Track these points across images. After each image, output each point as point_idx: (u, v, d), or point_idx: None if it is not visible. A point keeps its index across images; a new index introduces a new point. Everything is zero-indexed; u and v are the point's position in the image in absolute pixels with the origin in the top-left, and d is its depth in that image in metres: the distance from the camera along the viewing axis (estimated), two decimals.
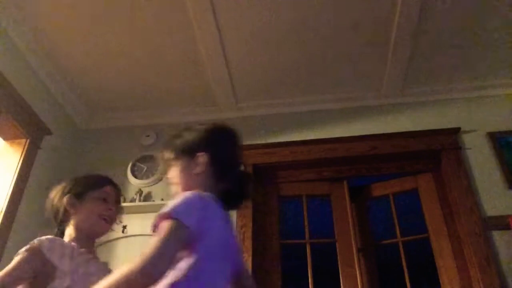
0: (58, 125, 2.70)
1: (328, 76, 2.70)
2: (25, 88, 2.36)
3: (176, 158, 1.21)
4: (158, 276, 0.92)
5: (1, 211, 2.14)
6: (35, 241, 1.25)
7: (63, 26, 2.36)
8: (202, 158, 1.16)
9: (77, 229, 1.34)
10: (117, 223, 1.46)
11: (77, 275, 1.22)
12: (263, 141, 2.73)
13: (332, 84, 2.76)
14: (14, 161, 2.31)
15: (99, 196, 1.40)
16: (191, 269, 0.98)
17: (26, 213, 2.34)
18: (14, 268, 1.20)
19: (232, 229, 1.20)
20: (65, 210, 1.36)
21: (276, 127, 2.82)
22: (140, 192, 2.60)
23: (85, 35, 2.41)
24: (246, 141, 2.74)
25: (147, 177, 2.70)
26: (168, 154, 1.23)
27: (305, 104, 2.86)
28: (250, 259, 2.30)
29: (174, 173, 1.21)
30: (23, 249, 1.23)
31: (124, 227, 2.51)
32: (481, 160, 2.48)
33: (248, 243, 2.35)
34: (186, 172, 1.18)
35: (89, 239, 1.38)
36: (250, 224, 2.41)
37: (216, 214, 1.08)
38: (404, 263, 2.39)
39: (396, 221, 2.54)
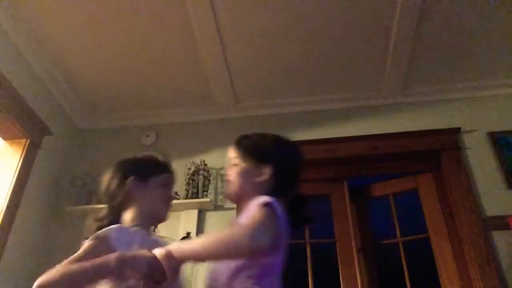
0: (58, 125, 2.70)
1: (328, 76, 2.70)
2: (25, 88, 2.36)
3: (241, 159, 1.22)
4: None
5: (1, 211, 2.14)
6: (103, 230, 1.18)
7: (63, 26, 2.36)
8: (268, 169, 1.18)
9: (140, 213, 1.26)
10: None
11: None
12: None
13: (332, 84, 2.76)
14: (14, 161, 2.31)
15: (162, 181, 1.33)
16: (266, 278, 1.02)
17: (26, 213, 2.34)
18: (79, 257, 1.12)
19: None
20: (127, 193, 1.27)
21: (276, 127, 2.82)
22: None
23: (85, 36, 2.41)
24: None
25: None
26: (234, 152, 1.25)
27: (305, 104, 2.86)
28: None
29: (233, 172, 1.22)
30: (90, 238, 1.17)
31: None
32: (481, 160, 2.48)
33: None
34: (247, 176, 1.19)
35: (149, 225, 1.31)
36: None
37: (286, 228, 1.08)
38: (404, 263, 2.39)
39: (396, 221, 2.54)
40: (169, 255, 0.96)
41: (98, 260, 1.01)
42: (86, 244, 1.16)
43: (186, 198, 2.51)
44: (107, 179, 1.33)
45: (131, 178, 1.28)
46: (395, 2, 2.23)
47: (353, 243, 2.41)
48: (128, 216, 1.27)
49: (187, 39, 2.42)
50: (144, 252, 0.99)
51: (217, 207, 2.54)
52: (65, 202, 2.60)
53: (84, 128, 3.01)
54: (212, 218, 2.50)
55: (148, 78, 2.71)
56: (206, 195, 2.51)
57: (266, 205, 1.01)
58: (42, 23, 2.34)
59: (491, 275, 2.11)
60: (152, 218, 1.31)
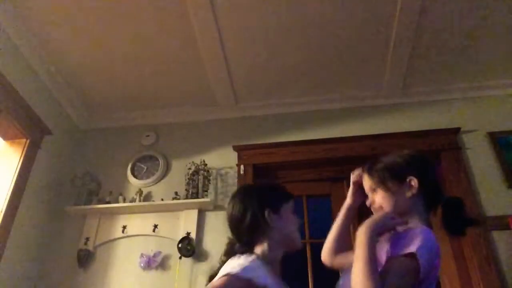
0: (58, 125, 2.70)
1: (328, 76, 2.70)
2: (25, 88, 2.36)
3: (383, 182, 1.21)
4: None
5: (1, 211, 2.14)
6: (246, 271, 1.11)
7: (63, 26, 2.36)
8: (413, 181, 1.18)
9: (276, 244, 1.24)
10: None
11: None
12: (263, 141, 2.74)
13: (332, 84, 2.76)
14: (14, 161, 2.31)
15: (291, 208, 1.32)
16: None
17: (26, 213, 2.34)
18: None
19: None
20: (265, 226, 1.23)
21: (276, 127, 2.82)
22: (140, 192, 2.60)
23: (85, 36, 2.41)
24: (246, 141, 2.76)
25: (147, 177, 2.70)
26: (370, 180, 1.25)
27: (305, 104, 2.86)
28: None
29: (379, 197, 1.22)
30: (231, 275, 1.09)
31: (124, 227, 2.51)
32: (481, 160, 2.48)
33: None
34: (396, 196, 1.18)
35: (282, 254, 1.28)
36: None
37: (438, 255, 1.09)
38: None
39: None
40: None
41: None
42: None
43: (186, 198, 2.52)
44: (237, 209, 1.28)
45: (268, 211, 1.25)
46: (395, 2, 2.23)
47: (354, 243, 2.40)
48: (261, 247, 1.23)
49: (187, 39, 2.42)
50: None
51: (217, 207, 2.53)
52: (65, 202, 2.60)
53: (84, 128, 3.01)
54: (212, 218, 2.50)
55: (148, 78, 2.71)
56: (206, 195, 2.51)
57: (412, 256, 1.01)
58: (43, 23, 2.34)
59: (491, 275, 2.11)
60: (288, 246, 1.29)
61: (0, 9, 2.20)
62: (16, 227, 2.24)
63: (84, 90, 2.81)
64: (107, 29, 2.38)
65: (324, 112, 2.84)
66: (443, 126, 2.61)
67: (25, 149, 2.35)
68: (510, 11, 2.29)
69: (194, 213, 2.48)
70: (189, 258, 2.34)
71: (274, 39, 2.44)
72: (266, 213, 1.25)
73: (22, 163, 2.31)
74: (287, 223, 1.28)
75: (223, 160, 2.70)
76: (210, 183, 2.57)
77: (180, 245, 2.35)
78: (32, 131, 2.40)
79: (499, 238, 2.22)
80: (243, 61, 2.59)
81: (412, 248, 1.02)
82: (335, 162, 2.62)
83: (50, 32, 2.39)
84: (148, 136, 2.89)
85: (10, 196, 2.20)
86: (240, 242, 1.25)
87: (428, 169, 1.24)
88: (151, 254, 2.39)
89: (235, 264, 1.13)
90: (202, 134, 2.86)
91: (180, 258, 2.33)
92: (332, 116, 2.80)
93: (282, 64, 2.61)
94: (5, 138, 2.37)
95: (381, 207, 1.21)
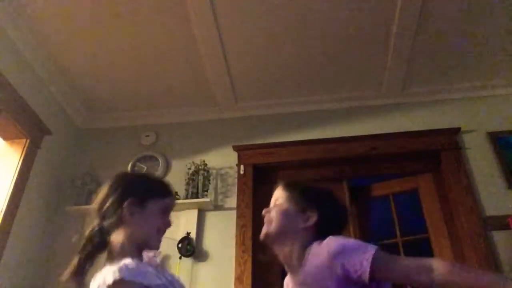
0: (58, 125, 2.70)
1: (328, 76, 2.70)
2: (25, 88, 2.36)
3: (288, 201, 1.22)
4: None
5: (1, 211, 2.14)
6: (118, 272, 1.00)
7: (63, 26, 2.36)
8: (312, 218, 1.17)
9: (130, 240, 1.12)
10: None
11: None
12: (263, 141, 2.74)
13: (332, 84, 2.76)
14: (14, 161, 2.31)
15: (161, 207, 1.20)
16: None
17: (26, 213, 2.34)
18: None
19: None
20: (120, 217, 1.12)
21: (276, 127, 2.82)
22: None
23: (85, 35, 2.41)
24: (246, 141, 2.76)
25: None
26: (282, 193, 1.25)
27: (305, 104, 2.86)
28: (250, 259, 2.31)
29: (276, 211, 1.22)
30: (109, 280, 0.99)
31: None
32: (481, 160, 2.48)
33: (248, 243, 2.35)
34: (291, 219, 1.18)
35: (139, 252, 1.16)
36: (250, 224, 2.41)
37: None
38: None
39: (396, 221, 2.54)
40: None
41: None
42: None
43: (186, 198, 2.51)
44: (103, 194, 1.18)
45: (128, 200, 1.14)
46: (395, 2, 2.23)
47: None
48: (116, 239, 1.12)
49: (187, 39, 2.42)
50: None
51: (217, 207, 2.53)
52: (65, 202, 2.60)
53: (84, 128, 3.01)
54: (212, 218, 2.50)
55: (148, 78, 2.71)
56: (206, 195, 2.51)
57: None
58: (43, 23, 2.34)
59: None
60: (142, 246, 1.16)
61: (0, 9, 2.20)
62: (16, 227, 2.23)
63: (84, 90, 2.81)
64: (107, 30, 2.38)
65: (324, 112, 2.84)
66: (443, 126, 2.61)
67: (25, 149, 2.35)
68: (510, 11, 2.29)
69: (194, 213, 2.48)
70: (189, 258, 2.34)
71: (274, 39, 2.43)
72: (126, 203, 1.13)
73: (22, 163, 2.31)
74: (147, 222, 1.15)
75: (223, 160, 2.70)
76: (210, 183, 2.57)
77: (180, 245, 2.35)
78: (32, 131, 2.40)
79: (499, 238, 2.22)
80: (243, 61, 2.59)
81: (370, 250, 1.00)
82: (335, 162, 2.62)
83: (50, 32, 2.39)
84: (148, 136, 2.88)
85: (10, 196, 2.20)
86: (99, 231, 1.13)
87: (334, 213, 1.22)
88: (151, 254, 2.38)
89: (117, 269, 1.01)
90: (202, 134, 2.86)
91: (180, 258, 2.33)
92: (332, 116, 2.81)
93: (282, 64, 2.61)
94: (5, 138, 2.37)
95: (271, 222, 1.21)
